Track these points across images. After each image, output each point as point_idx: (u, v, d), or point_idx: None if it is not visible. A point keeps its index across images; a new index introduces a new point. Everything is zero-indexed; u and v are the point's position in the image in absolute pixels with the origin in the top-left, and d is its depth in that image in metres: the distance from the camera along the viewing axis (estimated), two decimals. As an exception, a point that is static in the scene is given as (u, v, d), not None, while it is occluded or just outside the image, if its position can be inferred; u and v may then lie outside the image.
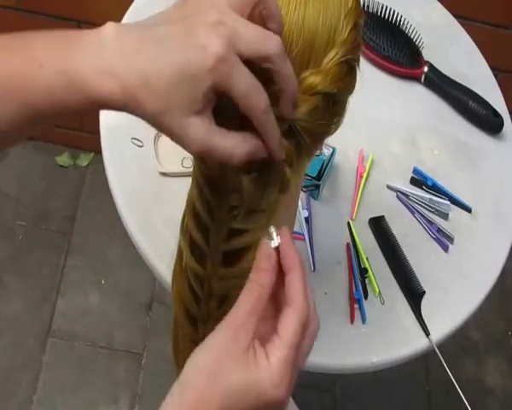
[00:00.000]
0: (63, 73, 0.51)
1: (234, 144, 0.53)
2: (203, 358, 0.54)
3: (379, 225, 1.01)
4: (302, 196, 1.00)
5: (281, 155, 0.56)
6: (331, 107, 0.58)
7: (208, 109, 0.52)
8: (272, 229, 0.56)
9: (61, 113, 0.54)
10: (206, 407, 0.53)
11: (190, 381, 0.54)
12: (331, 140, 0.64)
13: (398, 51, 1.14)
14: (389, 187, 1.05)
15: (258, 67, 0.52)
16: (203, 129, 0.52)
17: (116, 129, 1.03)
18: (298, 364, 0.55)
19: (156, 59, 0.50)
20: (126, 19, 1.13)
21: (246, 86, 0.51)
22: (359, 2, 0.60)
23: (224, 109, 0.54)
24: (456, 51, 1.21)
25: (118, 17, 1.12)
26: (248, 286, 0.55)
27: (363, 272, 0.96)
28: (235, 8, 0.51)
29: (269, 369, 0.54)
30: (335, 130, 0.62)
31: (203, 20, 0.50)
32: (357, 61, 0.60)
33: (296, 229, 0.97)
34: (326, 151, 1.01)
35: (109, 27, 0.52)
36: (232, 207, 0.59)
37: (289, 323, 0.55)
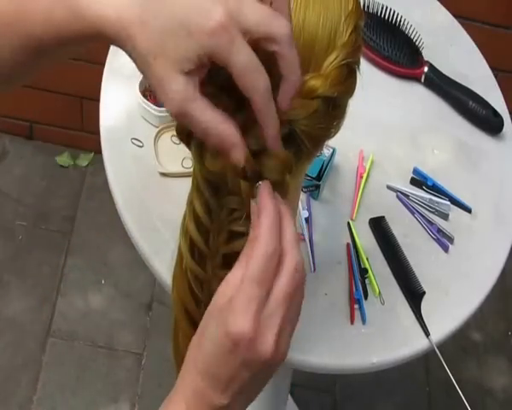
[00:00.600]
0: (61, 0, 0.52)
1: (211, 121, 0.52)
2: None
3: (379, 226, 1.00)
4: (302, 196, 1.00)
5: (278, 145, 0.55)
6: (331, 110, 0.58)
7: (197, 75, 0.51)
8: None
9: (61, 43, 0.54)
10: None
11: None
12: (331, 141, 0.64)
13: (398, 51, 1.14)
14: (389, 187, 1.05)
15: (262, 51, 0.51)
16: (185, 91, 0.51)
17: (116, 129, 1.03)
18: (273, 306, 0.54)
19: (159, 2, 0.50)
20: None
21: (246, 63, 0.50)
22: (359, 4, 0.60)
23: (216, 81, 0.53)
24: (456, 51, 1.21)
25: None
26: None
27: (363, 272, 0.96)
28: None
29: (230, 305, 0.54)
30: (335, 133, 0.62)
31: None
32: (358, 63, 0.60)
33: (296, 229, 0.97)
34: (326, 152, 1.01)
35: None
36: (232, 209, 0.59)
37: (251, 257, 0.54)
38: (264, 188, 0.56)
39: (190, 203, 0.63)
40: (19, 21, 0.54)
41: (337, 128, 0.62)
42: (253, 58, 0.50)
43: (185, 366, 0.58)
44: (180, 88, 0.50)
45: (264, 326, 0.54)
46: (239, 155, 0.54)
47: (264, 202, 0.55)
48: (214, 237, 0.61)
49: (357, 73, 0.60)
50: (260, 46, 0.51)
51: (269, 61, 0.51)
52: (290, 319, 0.56)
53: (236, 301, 0.54)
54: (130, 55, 0.53)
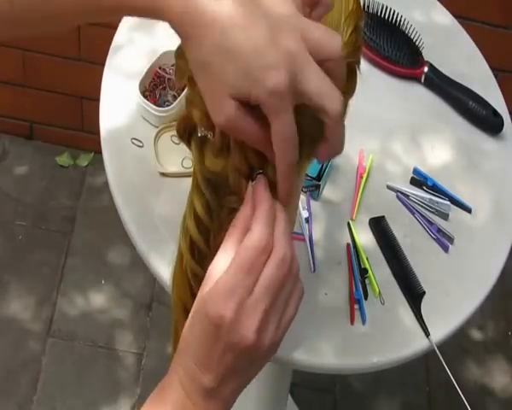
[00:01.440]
0: None
1: (255, 131, 0.55)
2: None
3: (379, 226, 1.00)
4: (302, 196, 1.00)
5: (286, 200, 0.59)
6: None
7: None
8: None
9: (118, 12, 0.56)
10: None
11: None
12: (331, 140, 0.64)
13: (398, 51, 1.14)
14: (389, 187, 1.05)
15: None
16: (234, 115, 0.53)
17: (116, 129, 1.03)
18: (257, 294, 0.56)
19: (243, 22, 0.51)
20: (126, 19, 1.12)
21: (284, 133, 0.54)
22: (360, 4, 0.60)
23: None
24: (456, 51, 1.21)
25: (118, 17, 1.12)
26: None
27: (363, 272, 0.96)
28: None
29: (216, 289, 0.56)
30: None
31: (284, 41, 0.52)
32: (358, 63, 0.60)
33: (296, 229, 0.97)
34: (326, 151, 1.01)
35: None
36: (232, 209, 0.59)
37: (242, 247, 0.56)
38: (260, 181, 0.57)
39: (190, 203, 0.63)
40: None
41: None
42: (293, 131, 0.53)
43: (179, 347, 0.61)
44: (231, 112, 0.53)
45: (246, 312, 0.55)
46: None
47: (261, 196, 0.57)
48: (214, 236, 0.62)
49: (358, 72, 0.60)
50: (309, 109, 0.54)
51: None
52: (277, 310, 0.57)
53: (221, 285, 0.56)
54: (185, 48, 0.54)
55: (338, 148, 0.58)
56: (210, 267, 0.58)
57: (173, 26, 0.54)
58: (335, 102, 0.53)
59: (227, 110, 0.53)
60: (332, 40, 0.53)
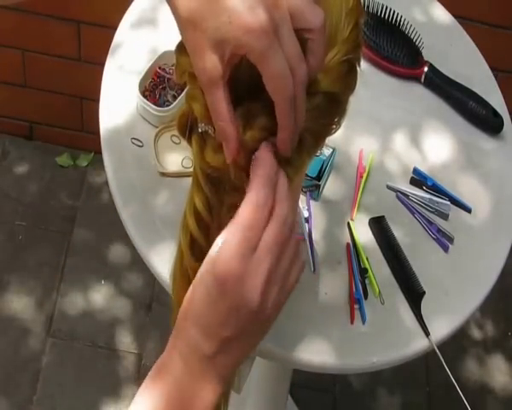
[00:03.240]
0: None
1: (223, 114, 0.54)
2: None
3: (379, 226, 1.00)
4: (302, 196, 1.00)
5: (288, 149, 0.57)
6: (332, 106, 0.58)
7: (228, 65, 0.53)
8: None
9: None
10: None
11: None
12: (331, 140, 0.64)
13: (398, 51, 1.14)
14: (389, 187, 1.05)
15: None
16: (215, 71, 0.53)
17: (116, 129, 1.03)
18: (260, 253, 0.56)
19: None
20: (126, 19, 1.13)
21: (279, 69, 0.52)
22: (360, 1, 0.60)
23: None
24: (456, 51, 1.21)
25: (118, 17, 1.12)
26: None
27: (363, 272, 0.96)
28: None
29: (220, 250, 0.56)
30: (336, 130, 0.62)
31: None
32: (359, 60, 0.60)
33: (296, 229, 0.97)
34: (326, 151, 1.01)
35: None
36: (233, 205, 0.59)
37: (241, 206, 0.56)
38: (266, 144, 0.57)
39: (190, 199, 0.63)
40: None
41: (338, 125, 0.62)
42: (286, 66, 0.52)
43: (178, 320, 0.60)
44: (211, 66, 0.53)
45: (251, 271, 0.55)
46: (229, 154, 0.57)
47: (263, 155, 0.57)
48: (214, 233, 0.61)
49: (358, 70, 0.60)
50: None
51: None
52: (280, 272, 0.57)
53: (225, 245, 0.55)
54: (172, 11, 0.55)
55: (321, 63, 0.56)
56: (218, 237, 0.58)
57: None
58: (318, 14, 0.53)
59: (208, 65, 0.53)
60: (314, 10, 0.53)
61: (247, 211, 0.55)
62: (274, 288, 0.57)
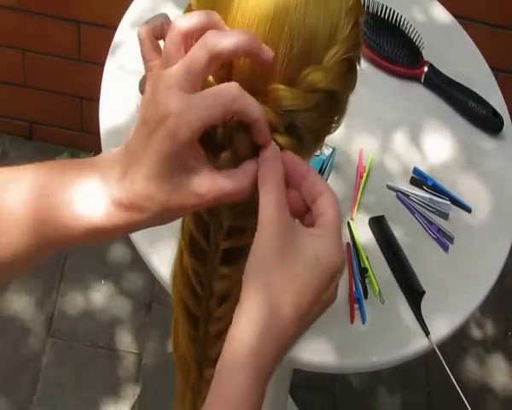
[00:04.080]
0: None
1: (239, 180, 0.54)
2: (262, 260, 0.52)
3: (379, 225, 1.01)
4: (302, 195, 1.00)
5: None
6: (332, 105, 0.58)
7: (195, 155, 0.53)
8: None
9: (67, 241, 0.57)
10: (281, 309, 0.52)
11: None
12: (331, 140, 0.64)
13: (398, 51, 1.14)
14: (389, 187, 1.05)
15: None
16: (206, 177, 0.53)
17: (116, 129, 1.03)
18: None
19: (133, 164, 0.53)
20: (126, 19, 1.13)
21: None
22: (360, 0, 0.60)
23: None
24: (456, 51, 1.21)
25: (118, 17, 1.12)
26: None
27: (363, 271, 0.96)
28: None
29: (328, 237, 0.53)
30: (336, 128, 0.62)
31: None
32: (359, 59, 0.60)
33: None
34: (326, 151, 1.01)
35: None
36: (232, 204, 0.59)
37: (329, 202, 0.54)
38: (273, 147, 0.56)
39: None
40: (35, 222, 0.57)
41: (338, 123, 0.62)
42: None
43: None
44: (200, 181, 0.53)
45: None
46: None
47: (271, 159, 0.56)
48: (214, 233, 0.61)
49: (358, 68, 0.60)
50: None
51: None
52: None
53: (329, 231, 0.54)
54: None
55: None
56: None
57: None
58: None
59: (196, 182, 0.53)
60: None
61: (333, 207, 0.55)
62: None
